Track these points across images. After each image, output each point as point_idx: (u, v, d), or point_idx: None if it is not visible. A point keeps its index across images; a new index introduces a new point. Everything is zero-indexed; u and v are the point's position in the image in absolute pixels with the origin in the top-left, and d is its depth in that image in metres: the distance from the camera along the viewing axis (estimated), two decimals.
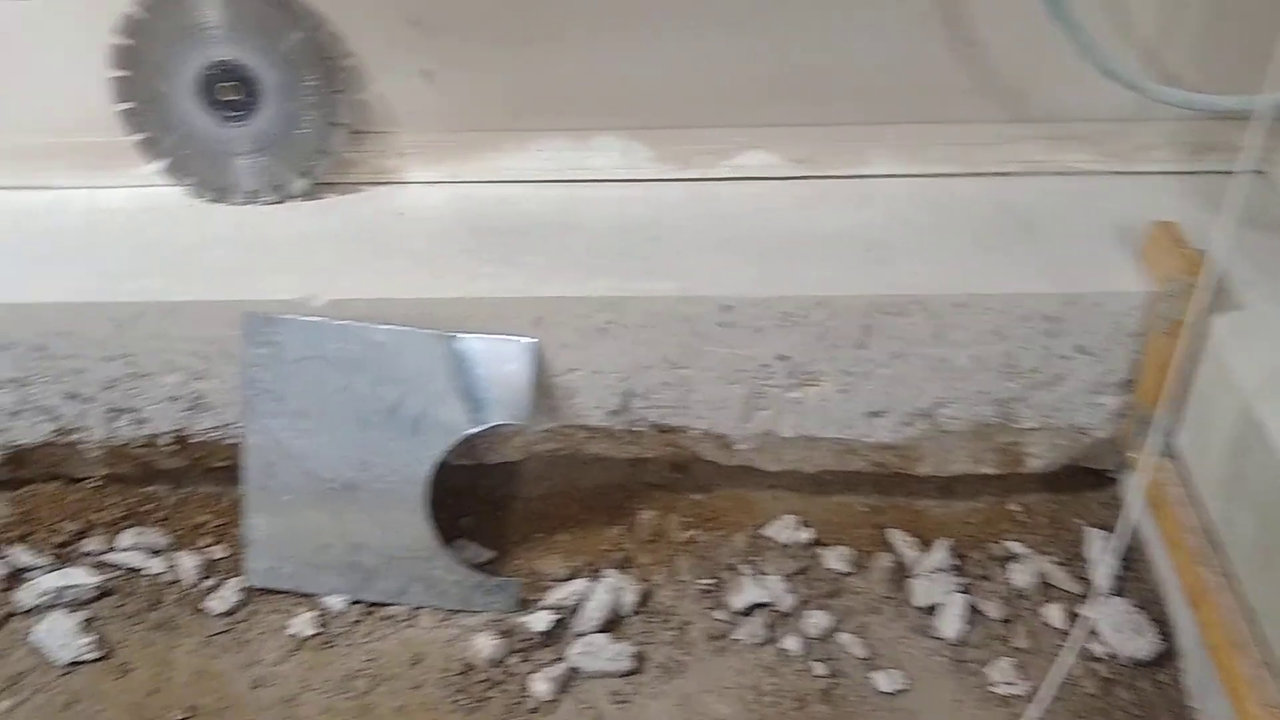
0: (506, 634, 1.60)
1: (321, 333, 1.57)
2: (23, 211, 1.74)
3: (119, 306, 1.58)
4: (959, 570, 1.67)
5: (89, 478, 1.76)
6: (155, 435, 1.70)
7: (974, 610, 1.62)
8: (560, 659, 1.57)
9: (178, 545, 1.72)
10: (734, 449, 1.71)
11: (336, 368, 1.58)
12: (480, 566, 1.67)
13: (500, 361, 1.58)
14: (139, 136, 1.71)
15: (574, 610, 1.62)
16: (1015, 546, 1.70)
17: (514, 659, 1.58)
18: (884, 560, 1.70)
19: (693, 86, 1.72)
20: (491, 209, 1.74)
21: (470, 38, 1.66)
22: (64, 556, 1.70)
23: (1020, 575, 1.65)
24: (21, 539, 1.72)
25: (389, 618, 1.64)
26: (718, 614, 1.64)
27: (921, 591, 1.65)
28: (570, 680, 1.55)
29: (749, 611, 1.63)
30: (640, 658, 1.58)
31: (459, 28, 1.65)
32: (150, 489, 1.77)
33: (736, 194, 1.76)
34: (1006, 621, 1.61)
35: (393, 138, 1.74)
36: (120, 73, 1.66)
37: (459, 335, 1.57)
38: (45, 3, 1.65)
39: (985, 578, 1.66)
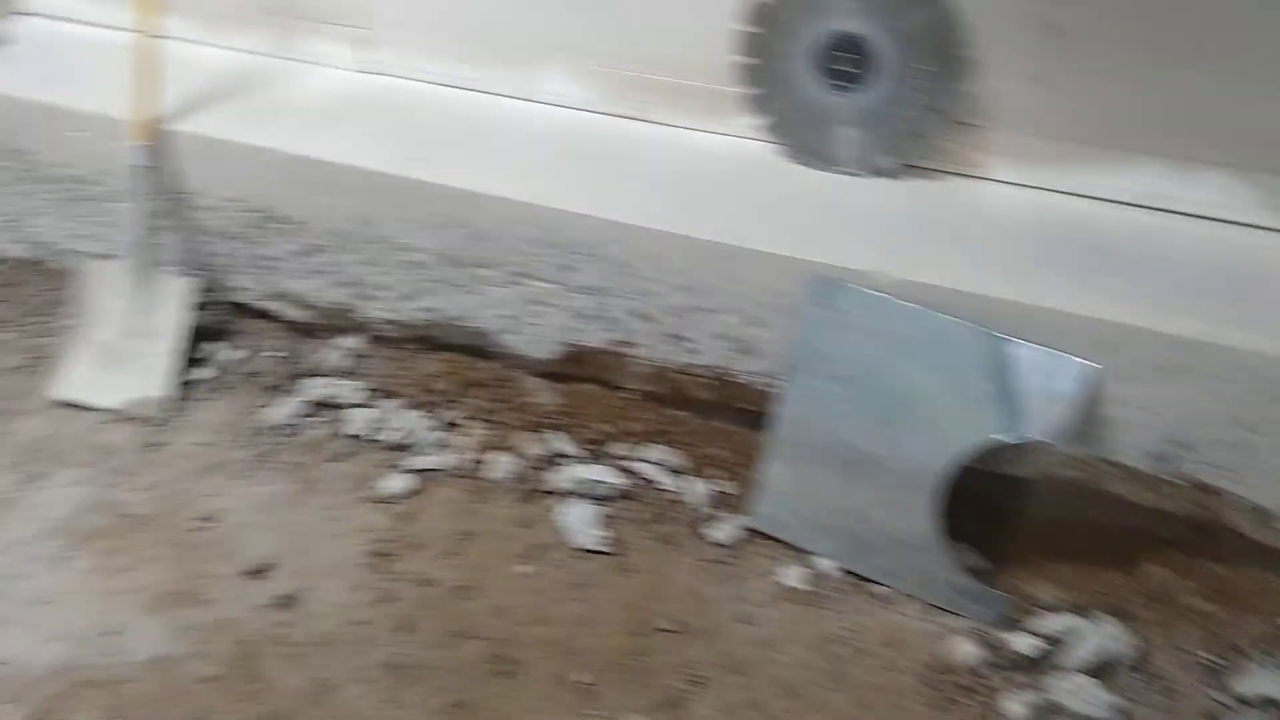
0: (988, 646, 1.59)
1: (882, 308, 1.61)
2: (626, 138, 1.91)
3: (701, 244, 1.70)
4: None
5: (628, 389, 1.92)
6: (699, 366, 1.82)
7: None
8: (1039, 688, 1.54)
9: (692, 470, 1.85)
10: (1276, 528, 1.58)
11: (888, 345, 1.61)
12: (973, 572, 1.66)
13: (1051, 377, 1.54)
14: (749, 91, 1.82)
15: (1061, 644, 1.58)
16: None
17: (990, 673, 1.56)
18: None
19: None
20: (1073, 222, 1.69)
21: (1102, 52, 1.61)
22: (595, 454, 1.87)
23: None
24: (563, 429, 1.91)
25: (875, 595, 1.67)
26: (1218, 695, 1.53)
27: None
28: (1047, 713, 1.51)
29: (1256, 703, 1.51)
30: (1126, 715, 1.51)
31: (1098, 41, 1.60)
32: (678, 413, 1.90)
33: None
34: None
35: (988, 133, 1.74)
36: (749, 29, 1.77)
37: (1015, 341, 1.56)
38: None
39: None
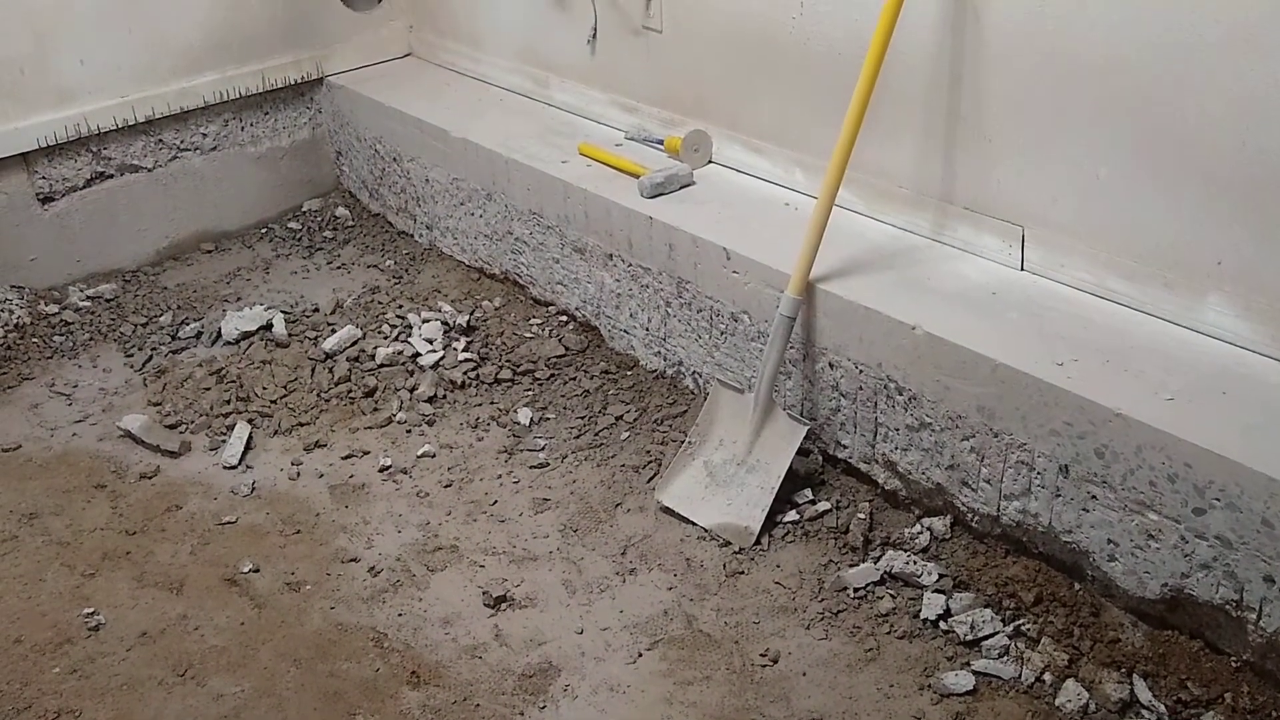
0: None
1: None
2: None
3: None
4: None
5: (1234, 655, 1.74)
6: None
7: None
8: None
9: None
10: None
11: None
12: None
13: None
14: None
15: None
16: None
17: None
18: None
19: None
20: None
21: None
22: (1179, 715, 1.71)
23: None
24: (1146, 676, 1.76)
25: None
26: None
27: None
28: None
29: None
30: None
31: None
32: None
33: None
34: None
35: None
36: None
37: None
38: None
39: None
